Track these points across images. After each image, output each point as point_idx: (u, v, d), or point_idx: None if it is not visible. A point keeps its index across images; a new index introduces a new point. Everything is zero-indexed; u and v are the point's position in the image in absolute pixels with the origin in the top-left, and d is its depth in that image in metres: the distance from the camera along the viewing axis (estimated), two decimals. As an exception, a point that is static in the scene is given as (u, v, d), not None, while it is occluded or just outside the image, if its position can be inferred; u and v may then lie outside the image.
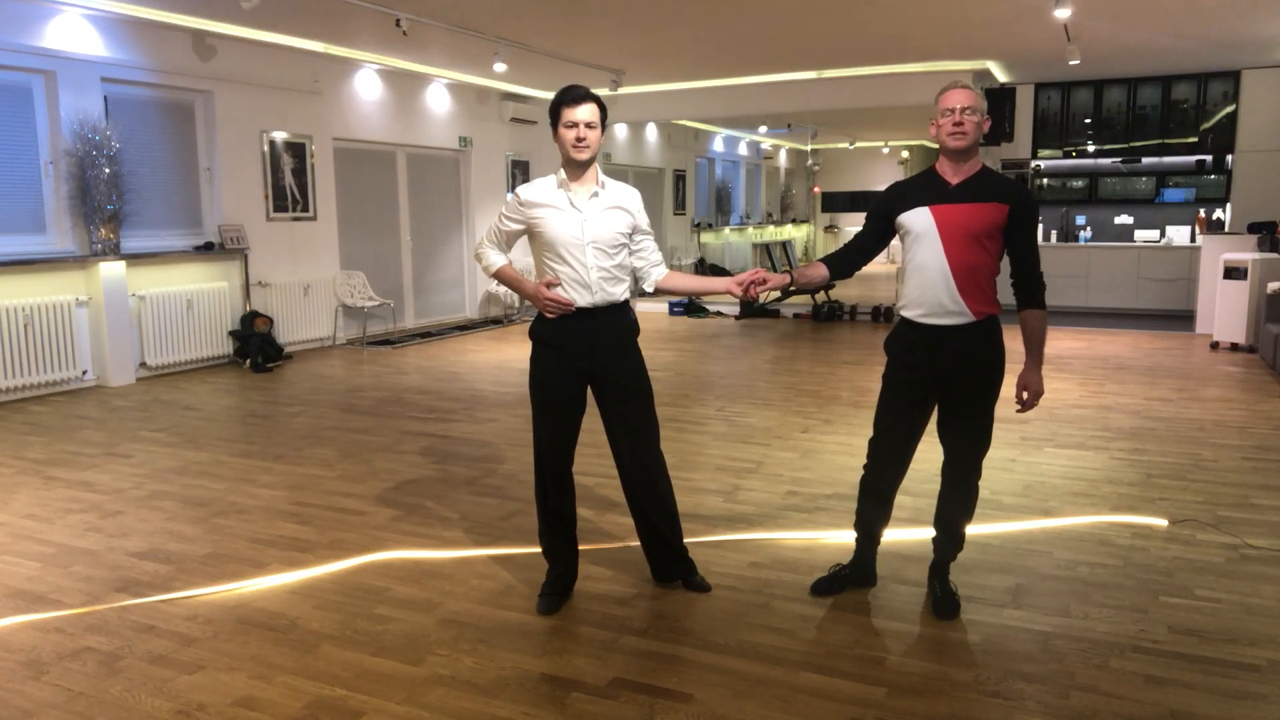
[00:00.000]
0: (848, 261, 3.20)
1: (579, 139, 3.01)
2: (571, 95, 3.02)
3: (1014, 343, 2.95)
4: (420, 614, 3.19)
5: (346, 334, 9.87)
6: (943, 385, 3.02)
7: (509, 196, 3.17)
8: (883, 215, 3.09)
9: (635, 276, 3.30)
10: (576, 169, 3.08)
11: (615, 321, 3.15)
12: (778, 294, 11.84)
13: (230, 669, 2.82)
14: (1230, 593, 3.30)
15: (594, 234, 3.07)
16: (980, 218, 2.90)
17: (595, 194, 3.10)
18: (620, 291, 3.15)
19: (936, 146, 3.01)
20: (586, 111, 3.01)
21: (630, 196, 3.18)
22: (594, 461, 4.70)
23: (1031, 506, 4.26)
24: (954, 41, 9.07)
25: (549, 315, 3.12)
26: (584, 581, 3.40)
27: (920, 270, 2.97)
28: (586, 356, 3.12)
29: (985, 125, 2.93)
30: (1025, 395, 3.01)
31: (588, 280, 3.07)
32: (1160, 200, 11.96)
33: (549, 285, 3.08)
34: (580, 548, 3.40)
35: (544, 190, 3.10)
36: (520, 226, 3.15)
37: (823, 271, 3.18)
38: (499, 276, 3.27)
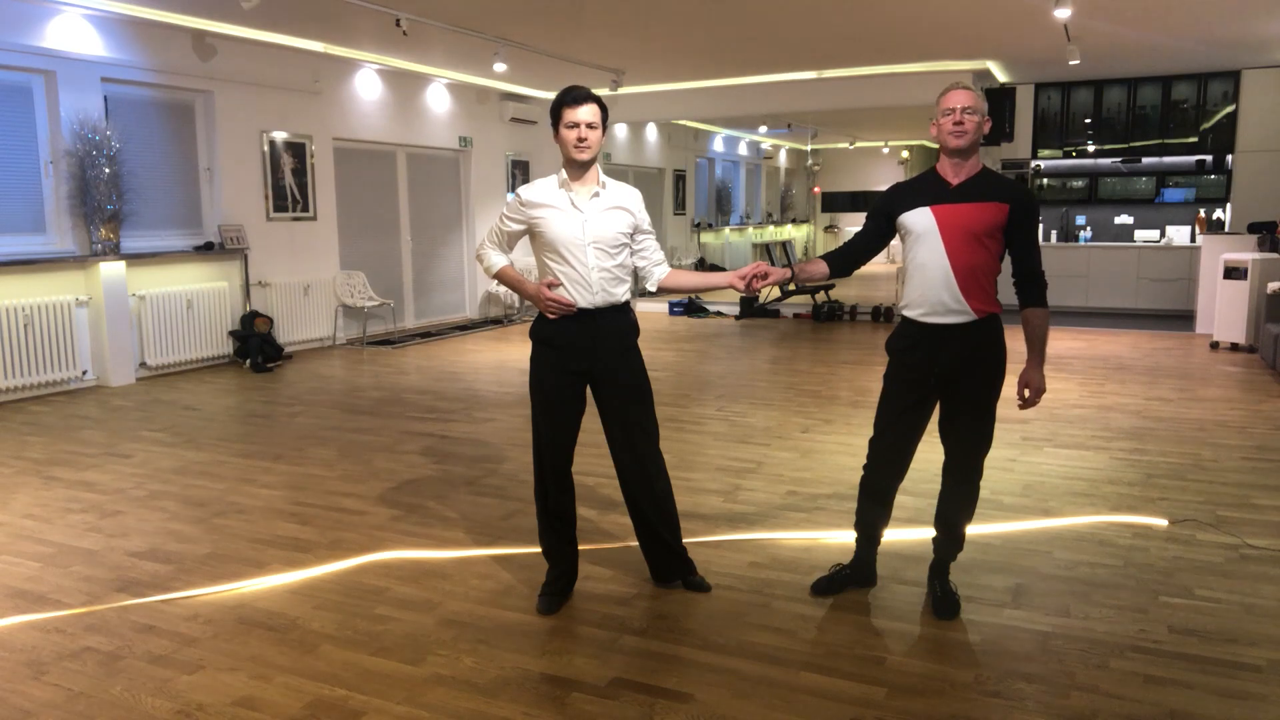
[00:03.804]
0: (848, 259, 3.21)
1: (580, 139, 3.01)
2: (573, 96, 3.02)
3: (1014, 342, 2.95)
4: (420, 614, 3.19)
5: (346, 334, 9.87)
6: (944, 384, 3.03)
7: (510, 197, 3.18)
8: (884, 214, 3.11)
9: (637, 276, 3.30)
10: (578, 169, 3.08)
11: (616, 322, 3.15)
12: (778, 293, 11.85)
13: (230, 669, 2.82)
14: (1230, 593, 3.30)
15: (595, 234, 3.07)
16: (981, 217, 2.91)
17: (596, 194, 3.10)
18: (621, 292, 3.15)
19: (936, 146, 3.03)
20: (588, 112, 3.02)
21: (631, 196, 3.18)
22: (594, 461, 4.70)
23: (1031, 506, 4.26)
24: (954, 41, 9.07)
25: (550, 316, 3.12)
26: (584, 581, 3.40)
27: (922, 270, 2.98)
28: (587, 357, 3.12)
29: (986, 126, 2.94)
30: (1027, 393, 3.01)
31: (589, 280, 3.07)
32: (1160, 200, 11.96)
33: (550, 286, 3.08)
34: (580, 548, 3.40)
35: (545, 190, 3.11)
36: (521, 227, 3.16)
37: (823, 268, 3.21)
38: (500, 277, 3.27)
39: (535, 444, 3.23)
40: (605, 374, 3.15)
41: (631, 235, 3.18)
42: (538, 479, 3.25)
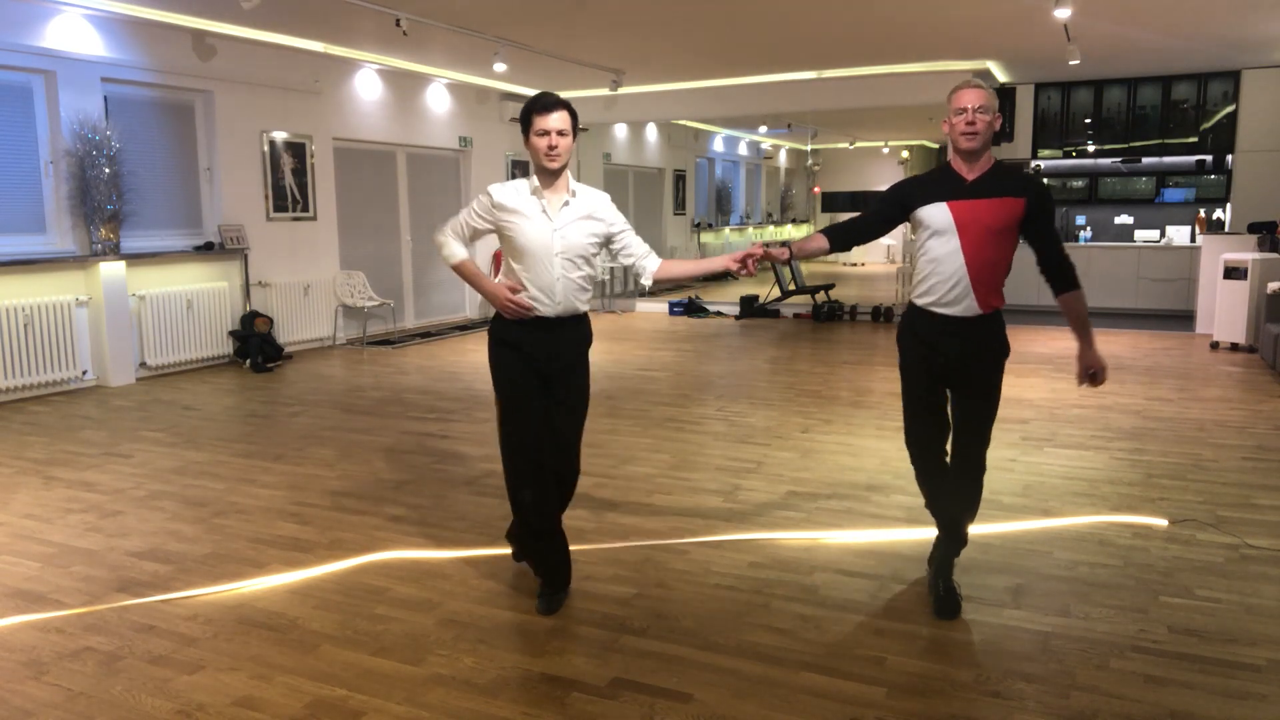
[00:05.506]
0: (849, 236, 3.19)
1: (551, 147, 2.99)
2: (542, 103, 3.00)
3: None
4: (420, 614, 3.19)
5: (346, 334, 9.87)
6: (948, 372, 3.05)
7: (482, 196, 3.14)
8: (899, 204, 3.10)
9: (633, 272, 3.29)
10: (549, 176, 3.06)
11: (574, 332, 3.17)
12: (779, 293, 11.85)
13: (230, 669, 2.82)
14: (1230, 593, 3.30)
15: (564, 244, 3.06)
16: (999, 213, 2.93)
17: (567, 202, 3.09)
18: (584, 301, 3.16)
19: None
20: (558, 119, 2.99)
21: (600, 203, 3.17)
22: (594, 461, 4.71)
23: (1031, 506, 4.26)
24: (954, 41, 9.07)
25: (507, 317, 3.12)
26: (584, 581, 3.40)
27: (935, 263, 3.00)
28: (546, 362, 3.13)
29: (996, 123, 2.95)
30: (1093, 373, 3.03)
31: (552, 290, 3.06)
32: (1160, 200, 11.96)
33: (513, 290, 3.07)
34: (580, 547, 3.40)
35: (517, 195, 3.08)
36: (489, 228, 3.14)
37: (822, 243, 3.17)
38: (459, 270, 3.23)
39: (505, 444, 3.19)
40: (557, 383, 3.17)
41: (604, 243, 3.18)
42: (511, 478, 3.20)
